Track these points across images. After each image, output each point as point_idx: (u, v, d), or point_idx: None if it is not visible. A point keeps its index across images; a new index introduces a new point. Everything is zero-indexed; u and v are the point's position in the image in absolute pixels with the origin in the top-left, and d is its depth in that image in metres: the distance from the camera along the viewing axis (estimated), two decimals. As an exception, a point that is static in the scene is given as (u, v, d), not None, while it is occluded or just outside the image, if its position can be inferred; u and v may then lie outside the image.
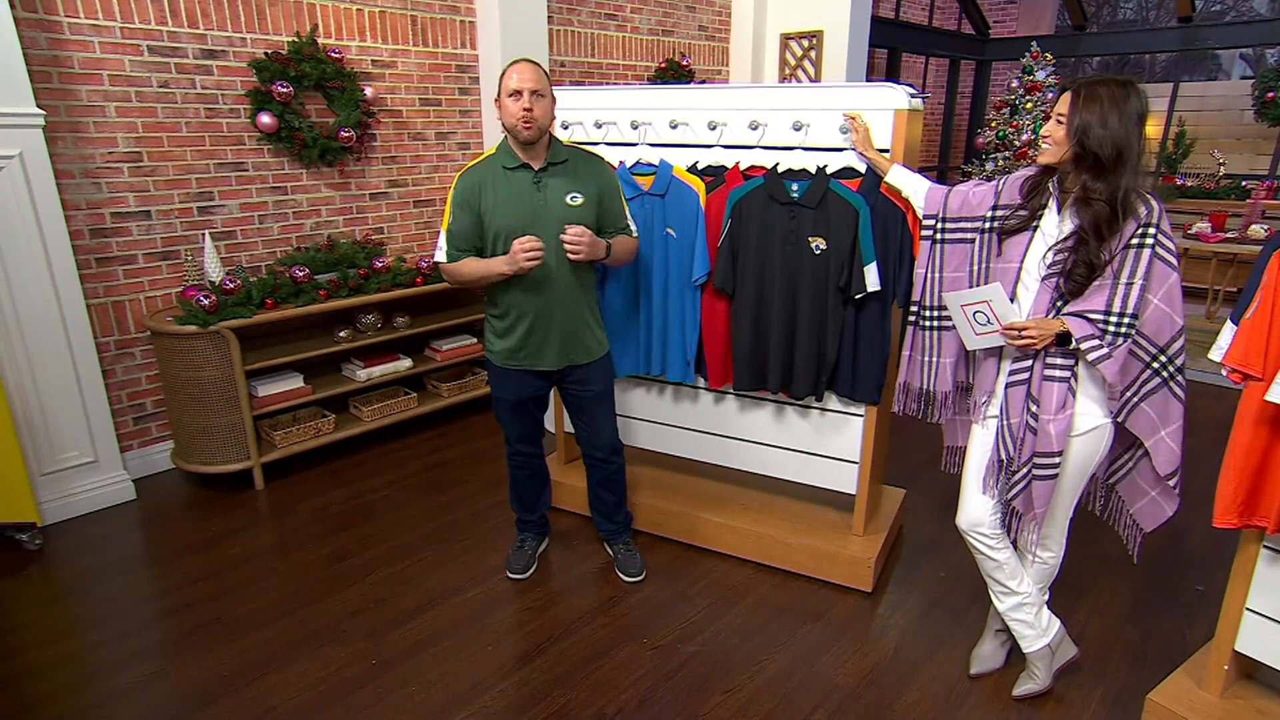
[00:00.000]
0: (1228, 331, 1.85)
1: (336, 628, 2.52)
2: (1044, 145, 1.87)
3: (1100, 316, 1.80)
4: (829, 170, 2.49)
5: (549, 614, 2.60)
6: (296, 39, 3.64)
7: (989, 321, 1.91)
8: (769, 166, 2.58)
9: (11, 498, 2.84)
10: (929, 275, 2.21)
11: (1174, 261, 1.80)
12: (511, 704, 2.20)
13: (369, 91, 3.89)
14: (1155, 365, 1.88)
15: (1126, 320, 1.79)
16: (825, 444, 2.76)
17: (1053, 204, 1.91)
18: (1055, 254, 1.86)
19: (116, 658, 2.38)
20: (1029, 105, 7.24)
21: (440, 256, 2.39)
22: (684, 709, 2.18)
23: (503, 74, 2.26)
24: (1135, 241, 1.78)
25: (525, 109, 2.21)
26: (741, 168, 2.65)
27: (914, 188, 2.27)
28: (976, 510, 2.08)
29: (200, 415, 3.28)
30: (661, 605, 2.65)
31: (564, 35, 5.01)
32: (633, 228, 2.53)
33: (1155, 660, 2.37)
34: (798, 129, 2.54)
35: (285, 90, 3.55)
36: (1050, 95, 7.22)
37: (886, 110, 2.39)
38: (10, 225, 2.86)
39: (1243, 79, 9.55)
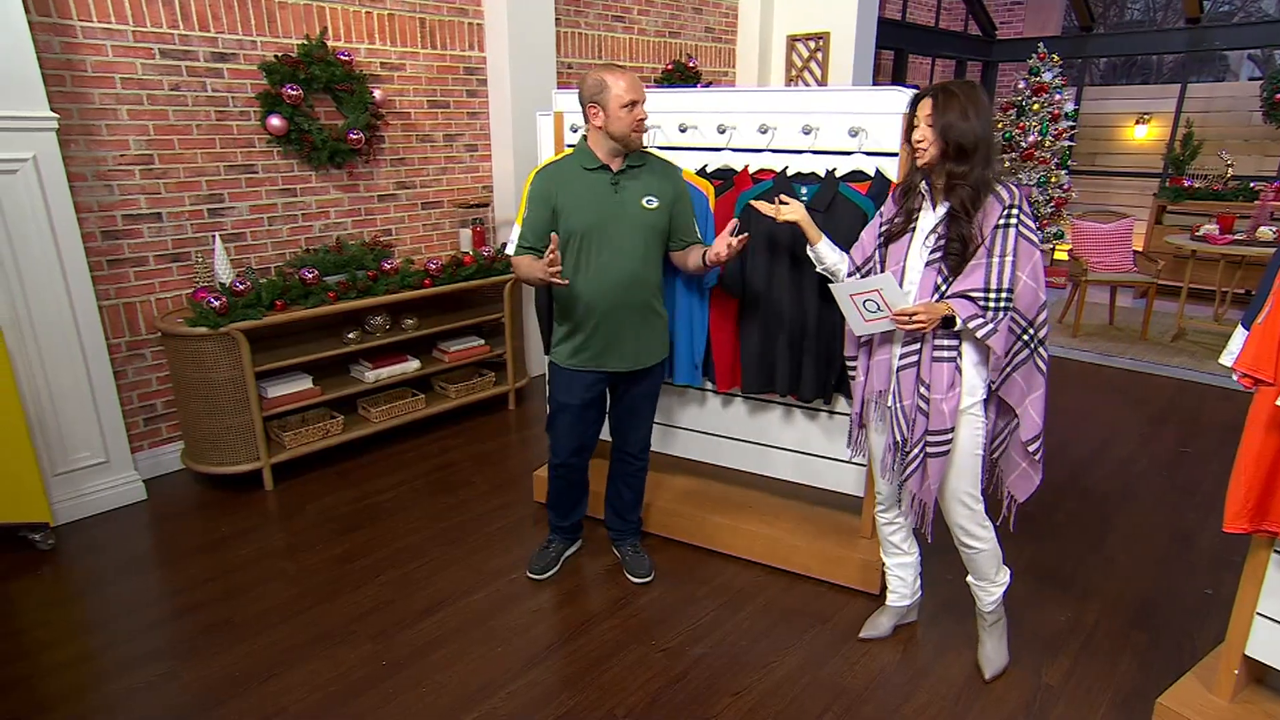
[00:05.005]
0: (1239, 336, 1.85)
1: (346, 629, 2.53)
2: (919, 149, 1.97)
3: (980, 294, 1.94)
4: (838, 173, 2.49)
5: (558, 615, 2.61)
6: (306, 42, 3.65)
7: (879, 309, 2.02)
8: (778, 170, 2.58)
9: (24, 498, 2.86)
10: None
11: (1035, 239, 1.97)
12: (521, 705, 2.21)
13: (378, 94, 3.91)
14: (1025, 337, 2.02)
15: (1004, 294, 1.93)
16: (833, 446, 2.77)
17: (926, 205, 2.04)
18: (936, 239, 1.99)
19: (127, 658, 2.39)
20: (1035, 106, 7.21)
21: (510, 249, 2.47)
22: (693, 711, 2.19)
23: (598, 84, 2.27)
24: (1001, 222, 1.95)
25: (642, 119, 2.31)
26: (750, 171, 2.65)
27: (834, 262, 2.25)
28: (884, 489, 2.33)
29: (210, 416, 3.30)
30: (670, 607, 2.65)
31: (571, 37, 5.02)
32: (700, 236, 2.55)
33: (1164, 664, 2.37)
34: (807, 133, 2.54)
35: (295, 93, 3.57)
36: (1058, 96, 7.19)
37: (894, 114, 2.39)
38: (24, 227, 2.88)
39: (1251, 80, 9.50)
